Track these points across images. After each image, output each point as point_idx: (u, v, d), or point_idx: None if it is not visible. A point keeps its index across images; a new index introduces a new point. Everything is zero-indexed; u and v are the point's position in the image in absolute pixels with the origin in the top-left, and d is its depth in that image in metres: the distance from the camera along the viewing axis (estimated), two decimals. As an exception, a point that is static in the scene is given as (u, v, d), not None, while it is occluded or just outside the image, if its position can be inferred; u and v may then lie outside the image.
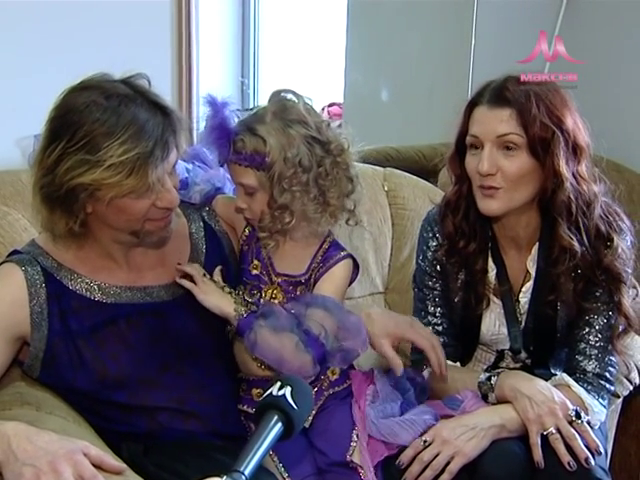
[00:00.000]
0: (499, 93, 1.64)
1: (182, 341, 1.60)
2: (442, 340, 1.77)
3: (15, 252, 1.59)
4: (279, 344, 1.50)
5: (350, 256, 1.66)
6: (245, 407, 1.67)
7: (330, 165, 1.57)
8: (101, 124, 1.40)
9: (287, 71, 3.25)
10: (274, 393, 1.17)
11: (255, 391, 1.65)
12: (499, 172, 1.64)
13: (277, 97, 1.59)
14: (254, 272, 1.65)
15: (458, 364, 1.81)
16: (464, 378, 1.73)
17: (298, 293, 1.63)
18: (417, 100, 3.35)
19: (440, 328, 1.81)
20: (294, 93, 1.59)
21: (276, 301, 1.62)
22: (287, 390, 1.17)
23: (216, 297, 1.58)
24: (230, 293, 1.60)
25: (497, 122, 1.62)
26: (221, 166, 1.66)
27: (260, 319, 1.53)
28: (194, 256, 1.68)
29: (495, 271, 1.77)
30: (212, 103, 1.55)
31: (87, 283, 1.55)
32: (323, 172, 1.56)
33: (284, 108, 1.56)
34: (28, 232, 1.76)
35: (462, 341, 1.82)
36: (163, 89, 1.53)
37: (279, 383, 1.18)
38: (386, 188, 1.83)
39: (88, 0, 2.23)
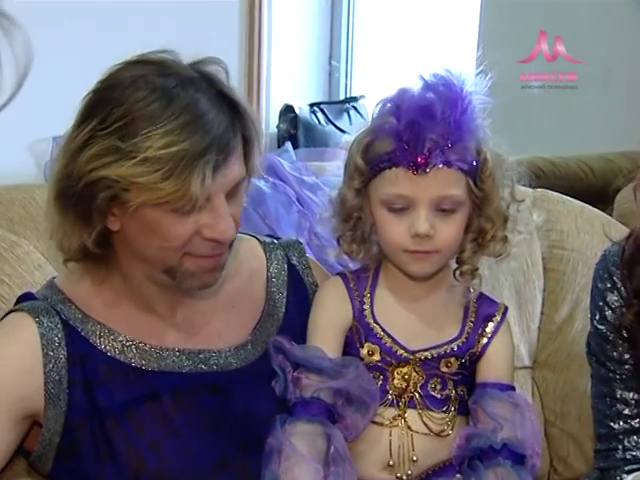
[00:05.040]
0: None
1: (248, 427, 1.34)
2: None
3: (28, 296, 1.34)
4: None
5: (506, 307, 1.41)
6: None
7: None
8: (145, 105, 1.21)
9: (387, 54, 2.93)
10: None
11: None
12: None
13: None
14: (369, 360, 1.31)
15: None
16: None
17: (445, 369, 1.33)
18: (583, 91, 2.88)
19: (637, 422, 1.43)
20: None
21: (410, 383, 1.32)
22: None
23: None
24: None
25: None
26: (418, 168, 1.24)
27: None
28: (269, 308, 1.42)
29: None
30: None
31: (121, 342, 1.31)
32: None
33: None
34: (42, 270, 1.50)
35: None
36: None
37: None
38: (536, 218, 1.48)
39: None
